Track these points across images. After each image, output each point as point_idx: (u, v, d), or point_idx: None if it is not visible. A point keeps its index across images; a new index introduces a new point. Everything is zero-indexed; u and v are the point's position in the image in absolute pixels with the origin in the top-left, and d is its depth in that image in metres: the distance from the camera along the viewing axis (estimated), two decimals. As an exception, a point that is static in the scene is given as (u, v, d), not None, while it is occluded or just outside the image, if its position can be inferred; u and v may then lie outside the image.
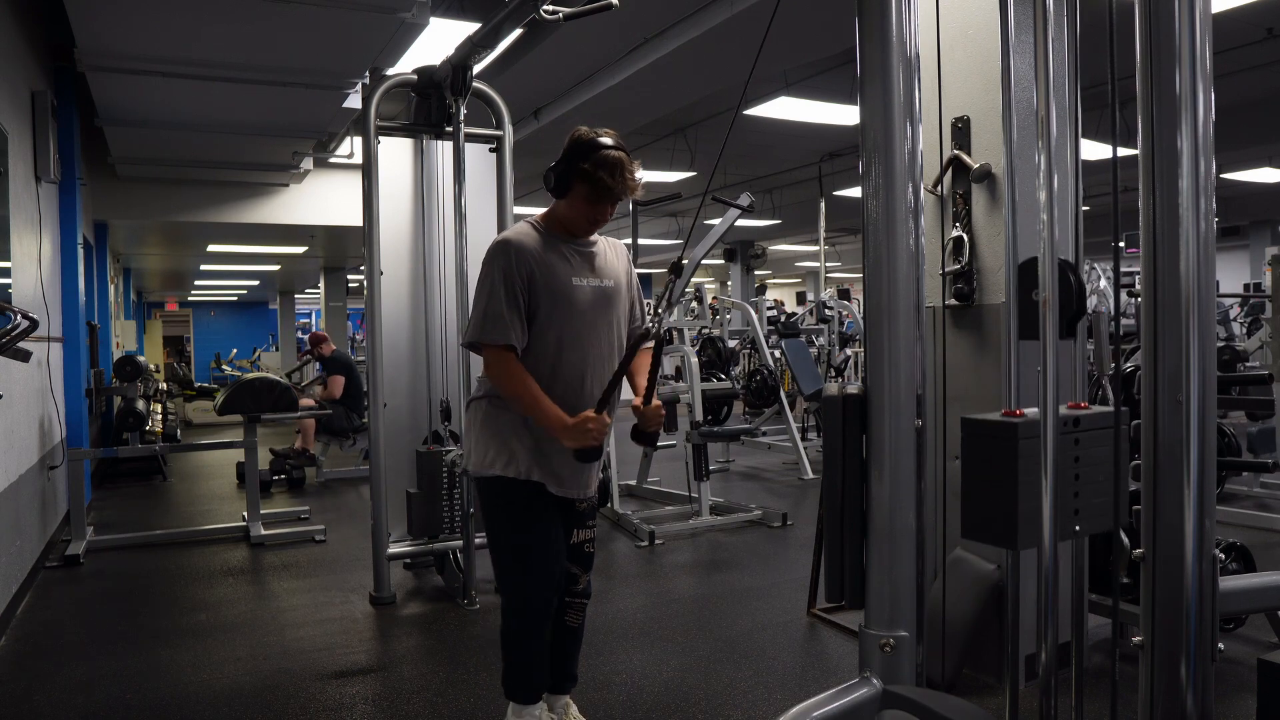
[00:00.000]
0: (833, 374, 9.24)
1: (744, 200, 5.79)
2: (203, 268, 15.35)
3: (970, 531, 1.63)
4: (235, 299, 24.31)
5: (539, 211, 2.41)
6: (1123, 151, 1.64)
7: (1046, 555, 1.56)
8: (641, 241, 10.73)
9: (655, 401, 2.32)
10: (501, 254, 2.26)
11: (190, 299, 24.38)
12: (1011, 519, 1.54)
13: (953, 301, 2.99)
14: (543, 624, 2.36)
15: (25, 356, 3.15)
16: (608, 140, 2.23)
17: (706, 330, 8.57)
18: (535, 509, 2.34)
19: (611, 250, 2.46)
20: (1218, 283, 5.41)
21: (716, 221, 6.27)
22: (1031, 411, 1.63)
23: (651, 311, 2.37)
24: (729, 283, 17.23)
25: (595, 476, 2.45)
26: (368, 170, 4.04)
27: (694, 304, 8.50)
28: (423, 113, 4.23)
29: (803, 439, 8.05)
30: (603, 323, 2.35)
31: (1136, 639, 1.60)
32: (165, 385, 12.72)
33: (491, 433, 2.35)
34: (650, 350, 2.30)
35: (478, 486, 2.41)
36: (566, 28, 3.45)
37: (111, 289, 10.85)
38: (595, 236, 2.41)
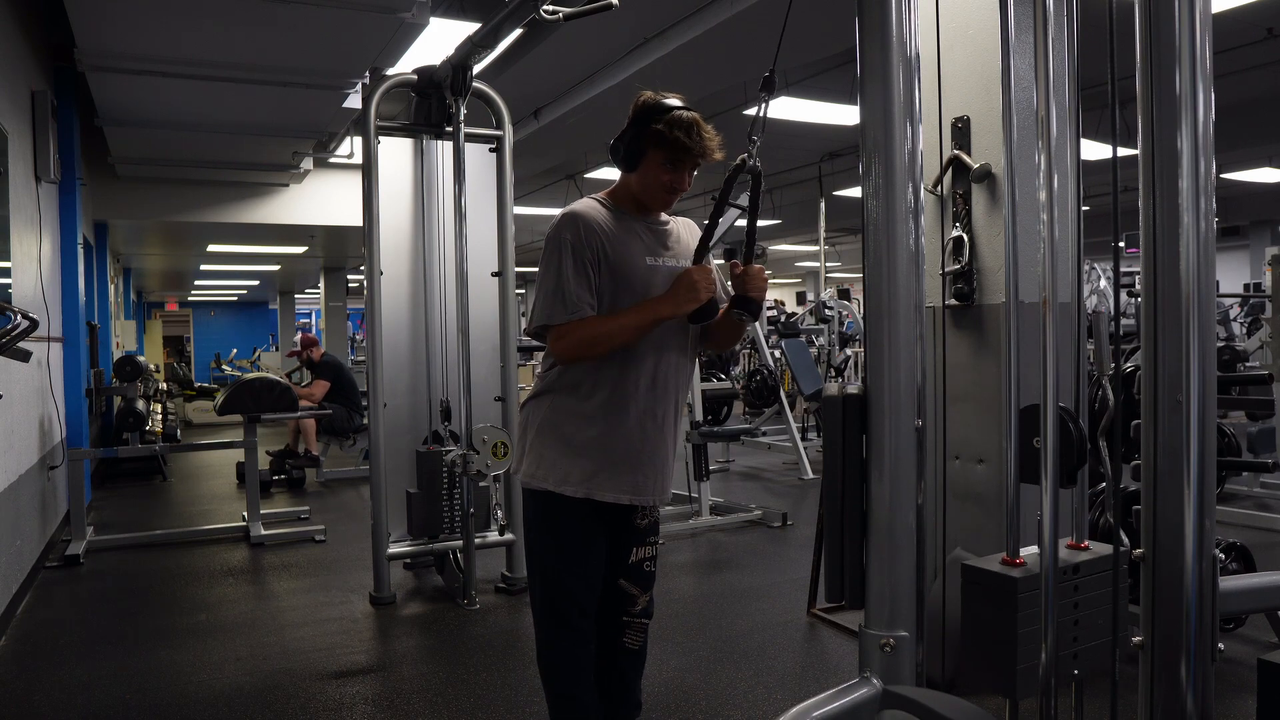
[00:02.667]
0: (833, 374, 9.23)
1: (744, 200, 5.78)
2: (203, 268, 15.34)
3: (972, 686, 1.61)
4: (235, 299, 24.31)
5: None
6: (1123, 151, 1.64)
7: (1047, 559, 1.56)
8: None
9: (755, 265, 2.09)
10: (569, 226, 2.03)
11: (190, 299, 24.38)
12: (1010, 676, 1.56)
13: (953, 301, 2.99)
14: (579, 646, 2.16)
15: (25, 356, 3.16)
16: (676, 101, 2.05)
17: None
18: (583, 528, 2.13)
19: (685, 230, 2.25)
20: (1218, 283, 5.41)
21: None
22: (1029, 552, 1.62)
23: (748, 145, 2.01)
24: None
25: (670, 480, 2.24)
26: (368, 170, 4.04)
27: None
28: (423, 113, 4.24)
29: (803, 439, 8.05)
30: None
31: (1136, 639, 1.60)
32: (165, 385, 12.73)
33: (547, 440, 2.11)
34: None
35: (524, 496, 2.21)
36: (566, 28, 3.45)
37: (111, 289, 10.85)
38: (666, 216, 2.20)
